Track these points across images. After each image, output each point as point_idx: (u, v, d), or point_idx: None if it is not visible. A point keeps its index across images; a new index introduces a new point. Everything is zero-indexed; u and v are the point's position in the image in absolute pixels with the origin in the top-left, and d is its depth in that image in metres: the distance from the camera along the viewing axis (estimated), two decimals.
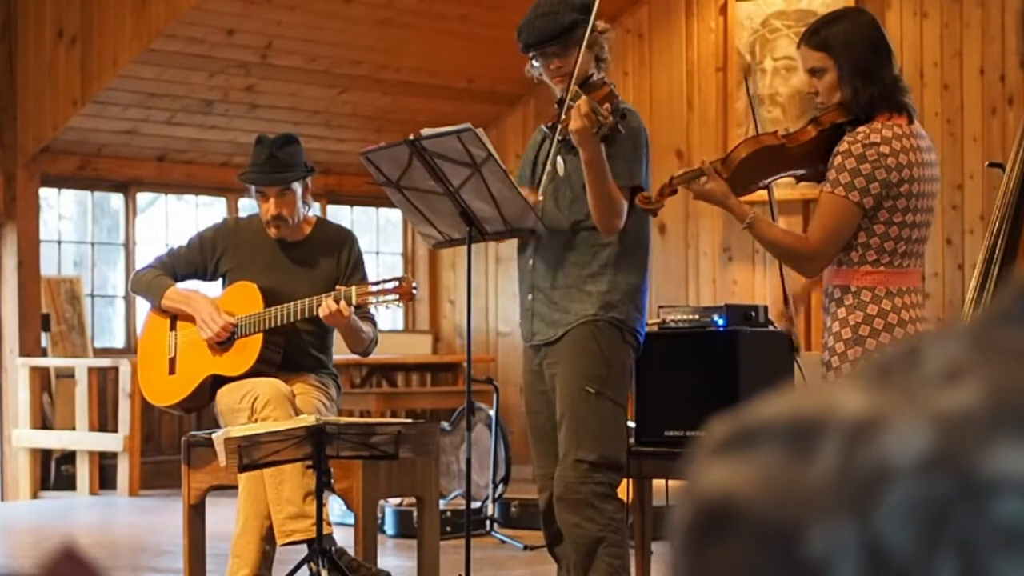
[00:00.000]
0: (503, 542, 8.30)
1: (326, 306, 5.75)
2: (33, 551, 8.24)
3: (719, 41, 11.31)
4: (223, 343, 6.03)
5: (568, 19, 5.10)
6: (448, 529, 7.76)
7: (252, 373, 5.95)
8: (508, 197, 5.19)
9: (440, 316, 13.09)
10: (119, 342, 11.86)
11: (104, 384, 11.25)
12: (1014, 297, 0.75)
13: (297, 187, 6.10)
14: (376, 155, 5.40)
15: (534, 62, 5.21)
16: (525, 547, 8.09)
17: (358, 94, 11.70)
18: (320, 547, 5.43)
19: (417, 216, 5.47)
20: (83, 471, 10.90)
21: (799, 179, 4.81)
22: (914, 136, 4.48)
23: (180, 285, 6.20)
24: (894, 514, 0.67)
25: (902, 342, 0.76)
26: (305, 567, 5.51)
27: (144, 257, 10.70)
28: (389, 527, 8.63)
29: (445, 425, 9.42)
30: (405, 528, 8.41)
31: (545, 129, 5.29)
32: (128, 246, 11.79)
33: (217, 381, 6.02)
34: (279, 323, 5.93)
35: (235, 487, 5.79)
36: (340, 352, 6.34)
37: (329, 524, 5.65)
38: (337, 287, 5.87)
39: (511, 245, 5.63)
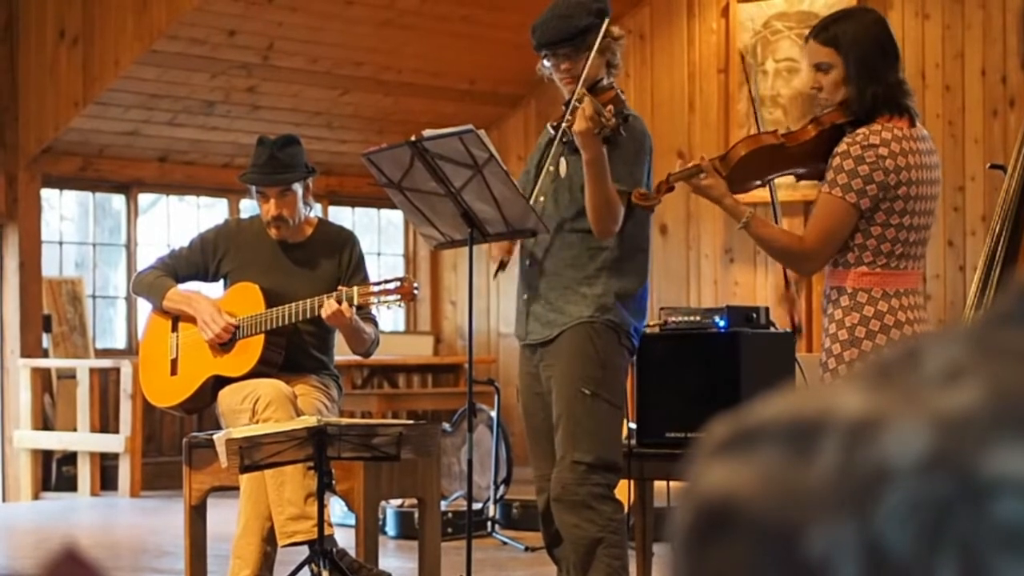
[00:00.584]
0: (504, 543, 8.30)
1: (328, 306, 5.75)
2: (34, 552, 8.24)
3: (720, 42, 11.31)
4: (225, 344, 6.03)
5: (584, 23, 5.11)
6: (449, 530, 7.76)
7: (253, 374, 5.95)
8: (509, 198, 5.19)
9: (441, 317, 13.09)
10: (120, 343, 11.86)
11: (105, 385, 11.25)
12: (1014, 298, 0.75)
13: (298, 188, 6.10)
14: (378, 156, 5.40)
15: (545, 61, 5.22)
16: (526, 548, 8.09)
17: (360, 95, 11.70)
18: (321, 548, 5.43)
19: (418, 217, 5.47)
20: (84, 472, 10.90)
21: (799, 178, 4.81)
22: (915, 139, 4.47)
23: (181, 286, 6.20)
24: (894, 514, 0.67)
25: (902, 343, 0.76)
26: (306, 568, 5.51)
27: (145, 258, 10.72)
28: (390, 528, 8.63)
29: (446, 426, 9.42)
30: (406, 529, 8.41)
31: (550, 128, 5.30)
32: (129, 247, 11.79)
33: (219, 382, 6.02)
34: (280, 324, 5.93)
35: (236, 488, 5.79)
36: (341, 353, 6.34)
37: (330, 525, 5.65)
38: (339, 287, 5.87)
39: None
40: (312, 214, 6.27)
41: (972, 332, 0.74)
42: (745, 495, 0.71)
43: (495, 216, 5.25)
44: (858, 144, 4.41)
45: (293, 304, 5.90)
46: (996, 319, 0.74)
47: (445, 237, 5.50)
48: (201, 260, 6.20)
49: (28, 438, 10.98)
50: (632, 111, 5.24)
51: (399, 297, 5.78)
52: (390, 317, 12.77)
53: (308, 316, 5.86)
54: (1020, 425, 0.67)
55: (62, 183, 11.46)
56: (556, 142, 5.18)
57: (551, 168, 5.22)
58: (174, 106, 11.05)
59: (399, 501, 8.43)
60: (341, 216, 12.61)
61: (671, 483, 5.73)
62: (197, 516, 5.91)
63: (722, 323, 5.55)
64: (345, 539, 6.21)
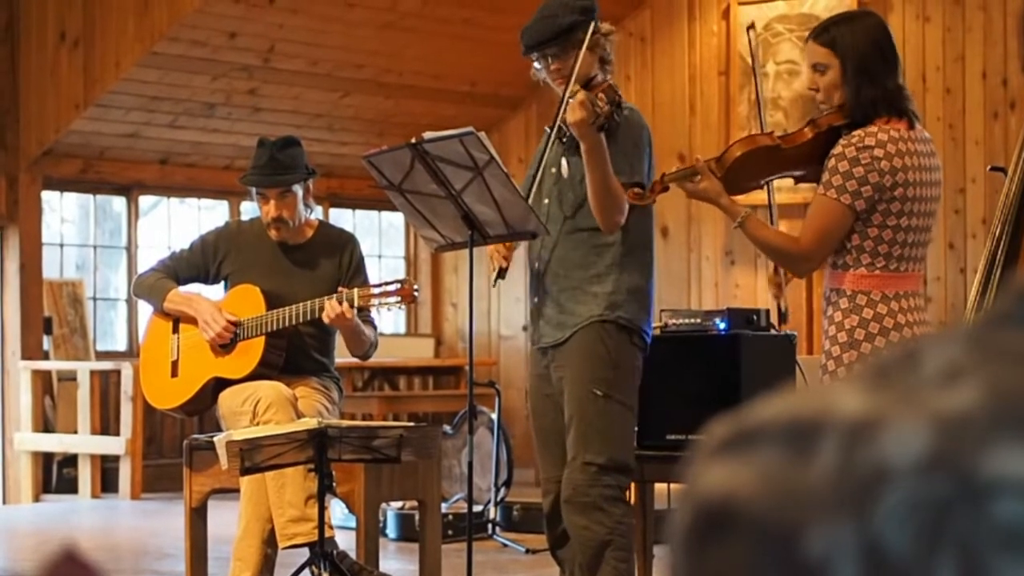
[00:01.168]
0: (505, 546, 8.30)
1: (330, 307, 5.74)
2: (35, 554, 8.24)
3: (721, 45, 11.31)
4: (225, 346, 6.03)
5: (567, 21, 5.11)
6: (450, 532, 7.76)
7: (254, 376, 5.95)
8: (510, 200, 5.19)
9: (442, 319, 13.09)
10: (121, 345, 11.86)
11: (106, 387, 11.25)
12: (1014, 299, 0.75)
13: (298, 189, 6.10)
14: (378, 158, 5.40)
15: (536, 64, 5.22)
16: (527, 551, 8.09)
17: (360, 98, 11.70)
18: (322, 550, 5.42)
19: (419, 219, 5.47)
20: (85, 474, 10.90)
21: (798, 180, 4.80)
22: (913, 140, 4.46)
23: (182, 288, 6.20)
24: (893, 515, 0.67)
25: (901, 344, 0.76)
26: (307, 570, 5.51)
27: (146, 260, 10.71)
28: (391, 530, 8.63)
29: (447, 428, 9.42)
30: (407, 531, 8.41)
31: (548, 130, 5.30)
32: (130, 249, 11.80)
33: (219, 384, 6.02)
34: (281, 326, 5.93)
35: (237, 490, 5.79)
36: (342, 355, 6.34)
37: (331, 527, 5.64)
38: (339, 289, 5.87)
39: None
40: (313, 216, 6.28)
41: (971, 333, 0.74)
42: (744, 496, 0.71)
43: (495, 218, 5.25)
44: (853, 146, 4.40)
45: (294, 306, 5.90)
46: (995, 320, 0.74)
47: (446, 239, 5.50)
48: (202, 262, 6.20)
49: (29, 440, 10.98)
50: (629, 104, 5.24)
51: (399, 299, 5.78)
52: (391, 319, 12.78)
53: (309, 318, 5.86)
54: (1019, 426, 0.67)
55: (63, 185, 11.46)
56: (554, 141, 5.18)
57: (552, 170, 5.22)
58: (175, 108, 11.05)
59: (400, 503, 8.43)
60: (342, 218, 12.61)
61: (672, 485, 5.72)
62: (198, 518, 5.91)
63: (723, 325, 5.55)
64: (346, 541, 6.21)
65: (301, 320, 5.89)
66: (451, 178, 5.25)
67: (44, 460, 11.14)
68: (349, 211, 12.89)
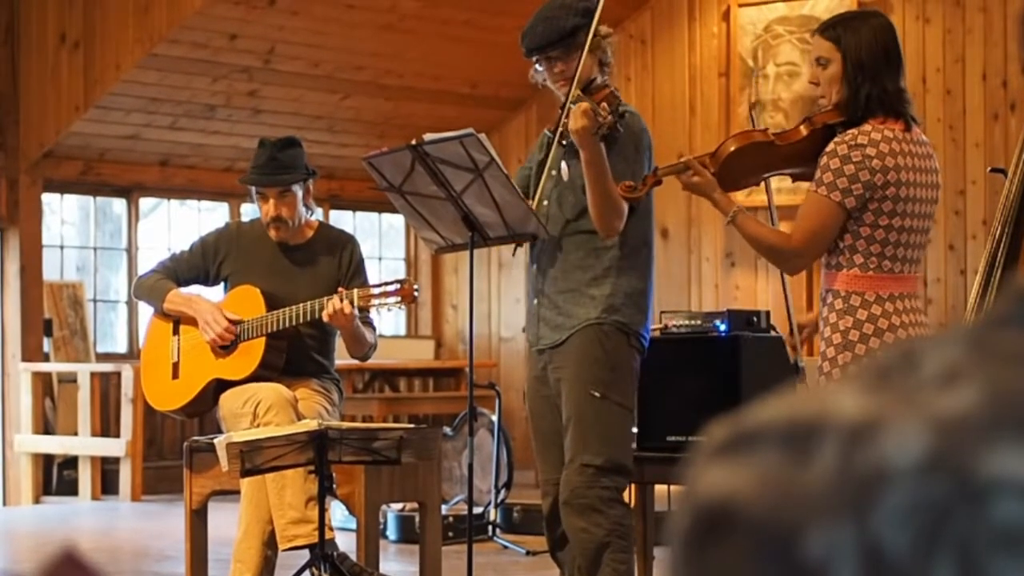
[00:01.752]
0: (505, 547, 8.29)
1: (331, 305, 5.74)
2: (35, 556, 8.24)
3: (722, 46, 11.31)
4: (226, 347, 6.03)
5: (570, 24, 5.11)
6: (450, 534, 7.76)
7: (255, 377, 5.95)
8: (510, 202, 5.19)
9: (442, 321, 13.09)
10: (121, 347, 11.86)
11: (106, 389, 11.25)
12: (1014, 300, 0.75)
13: (297, 189, 6.10)
14: (379, 160, 5.40)
15: (537, 67, 5.22)
16: (527, 552, 8.09)
17: (361, 99, 11.70)
18: (322, 552, 5.42)
19: (419, 221, 5.47)
20: (85, 476, 10.90)
21: (794, 179, 4.79)
22: (908, 141, 4.46)
23: (182, 289, 6.20)
24: (893, 516, 0.67)
25: (900, 345, 0.76)
26: (307, 572, 5.51)
27: (146, 262, 10.72)
28: (391, 532, 8.62)
29: (447, 430, 9.42)
30: (407, 533, 8.41)
31: (548, 133, 5.30)
32: (130, 251, 11.80)
33: (220, 386, 6.02)
34: (281, 327, 5.93)
35: (237, 492, 5.79)
36: (342, 357, 6.34)
37: (331, 529, 5.64)
38: (340, 289, 5.87)
39: (513, 250, 5.63)
40: (313, 218, 6.28)
41: (970, 334, 0.74)
42: (744, 497, 0.71)
43: (496, 220, 5.25)
44: (846, 144, 4.40)
45: (294, 307, 5.90)
46: (995, 321, 0.74)
47: (446, 241, 5.50)
48: (202, 263, 6.20)
49: (29, 442, 10.98)
50: (630, 107, 5.24)
51: (400, 299, 5.78)
52: (391, 321, 12.78)
53: (309, 319, 5.86)
54: (1018, 427, 0.67)
55: (63, 187, 11.46)
56: (555, 145, 5.18)
57: (553, 172, 5.23)
58: (175, 110, 11.05)
59: (400, 505, 8.43)
60: (342, 220, 12.61)
61: (672, 487, 5.72)
62: (198, 520, 5.91)
63: (723, 327, 5.55)
64: (346, 543, 6.21)
65: (301, 321, 5.89)
66: (451, 180, 5.25)
67: (44, 462, 11.14)
68: (349, 213, 12.89)
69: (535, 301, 5.27)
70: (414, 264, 13.25)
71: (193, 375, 6.10)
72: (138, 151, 11.42)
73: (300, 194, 6.11)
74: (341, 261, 6.12)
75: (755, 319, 5.63)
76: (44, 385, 11.14)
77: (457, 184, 5.24)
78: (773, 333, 5.70)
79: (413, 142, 5.29)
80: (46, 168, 11.13)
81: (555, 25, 5.12)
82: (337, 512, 7.50)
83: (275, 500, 5.63)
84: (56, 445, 11.03)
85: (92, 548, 8.13)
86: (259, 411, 5.74)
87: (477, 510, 8.45)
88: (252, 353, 5.99)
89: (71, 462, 11.10)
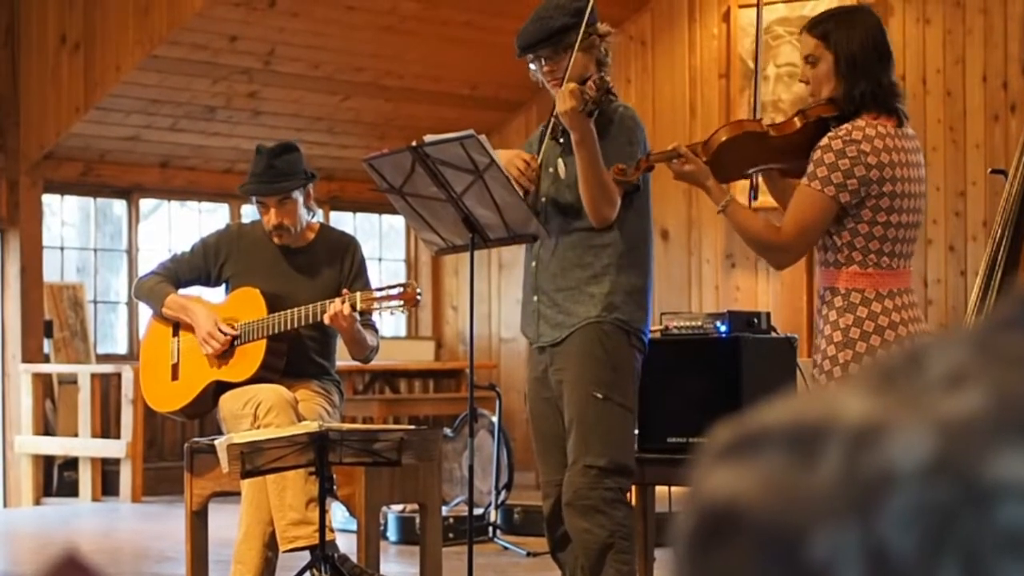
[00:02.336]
0: (506, 548, 8.29)
1: (333, 307, 5.74)
2: (35, 557, 8.24)
3: (722, 47, 11.31)
4: (226, 349, 6.03)
5: (559, 23, 5.12)
6: (451, 535, 7.76)
7: (255, 379, 5.94)
8: (511, 203, 5.19)
9: (443, 322, 13.09)
10: (122, 348, 11.86)
11: (107, 390, 11.25)
12: (1018, 303, 0.75)
13: (298, 195, 6.09)
14: (379, 161, 5.40)
15: (532, 66, 5.23)
16: (528, 553, 8.09)
17: (361, 101, 11.70)
18: (323, 553, 5.42)
19: (420, 222, 5.47)
20: (85, 477, 10.90)
21: (785, 174, 4.77)
22: (900, 137, 4.46)
23: (184, 291, 6.20)
24: (898, 519, 0.67)
25: (904, 347, 0.76)
26: (308, 573, 5.51)
27: (147, 263, 10.71)
28: (392, 533, 8.62)
29: (448, 431, 9.42)
30: (408, 534, 8.41)
31: (541, 128, 5.31)
32: (131, 252, 11.80)
33: (220, 387, 6.02)
34: (282, 329, 5.93)
35: (238, 493, 5.79)
36: (343, 358, 6.34)
37: (332, 530, 5.64)
38: (343, 291, 5.87)
39: (513, 251, 5.64)
40: (314, 219, 6.27)
41: (975, 337, 0.74)
42: (748, 500, 0.71)
43: (496, 221, 5.25)
44: (840, 139, 4.40)
45: (295, 309, 5.90)
46: (999, 324, 0.74)
47: (446, 242, 5.49)
48: (203, 265, 6.20)
49: (29, 443, 10.98)
50: (624, 103, 5.25)
51: (402, 303, 5.78)
52: (391, 322, 12.77)
53: (310, 321, 5.86)
54: (1023, 430, 0.67)
55: (63, 188, 11.46)
56: (548, 140, 5.19)
57: (550, 170, 5.23)
58: (175, 111, 11.05)
59: (400, 506, 8.42)
60: (342, 221, 12.61)
61: (673, 488, 5.72)
62: (198, 521, 5.91)
63: (723, 328, 5.55)
64: (346, 544, 6.21)
65: (302, 323, 5.88)
66: (452, 181, 5.25)
67: (45, 463, 11.14)
68: (350, 214, 12.89)
69: (534, 298, 5.27)
70: (414, 265, 13.25)
71: (193, 377, 6.10)
72: (138, 152, 11.42)
73: (300, 199, 6.11)
74: (343, 263, 6.12)
75: (756, 320, 5.63)
76: (44, 386, 11.14)
77: (457, 185, 5.24)
78: (774, 334, 5.70)
79: (413, 143, 5.29)
80: (46, 169, 11.14)
81: (545, 25, 5.14)
82: (338, 513, 7.50)
83: (275, 501, 5.63)
84: (56, 446, 11.03)
85: (92, 549, 8.13)
86: (259, 412, 5.73)
87: (477, 511, 8.45)
88: (252, 355, 5.99)
89: (71, 463, 11.10)
